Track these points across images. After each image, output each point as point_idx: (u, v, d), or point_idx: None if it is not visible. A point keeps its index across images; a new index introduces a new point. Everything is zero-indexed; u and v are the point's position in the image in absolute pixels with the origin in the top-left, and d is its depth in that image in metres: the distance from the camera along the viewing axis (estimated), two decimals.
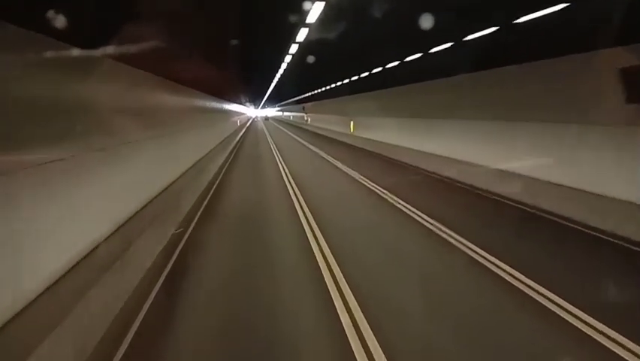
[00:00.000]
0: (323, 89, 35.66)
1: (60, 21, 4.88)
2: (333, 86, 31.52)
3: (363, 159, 23.33)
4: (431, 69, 16.29)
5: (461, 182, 14.94)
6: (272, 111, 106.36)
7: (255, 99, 71.40)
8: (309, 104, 51.67)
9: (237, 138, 39.12)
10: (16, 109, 4.45)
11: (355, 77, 24.55)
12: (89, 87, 6.49)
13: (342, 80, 27.61)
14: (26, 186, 4.61)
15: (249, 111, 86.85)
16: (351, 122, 31.09)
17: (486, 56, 12.25)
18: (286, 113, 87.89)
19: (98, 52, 6.43)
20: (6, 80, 4.26)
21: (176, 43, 9.94)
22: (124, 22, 6.43)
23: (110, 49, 6.73)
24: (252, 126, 71.08)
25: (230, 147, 29.43)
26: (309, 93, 43.65)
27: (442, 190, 14.62)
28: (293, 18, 11.09)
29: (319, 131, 45.11)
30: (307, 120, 56.84)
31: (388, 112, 23.63)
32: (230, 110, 43.54)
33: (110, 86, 7.44)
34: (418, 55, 15.42)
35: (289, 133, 49.73)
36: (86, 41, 5.78)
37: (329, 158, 23.50)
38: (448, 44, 13.24)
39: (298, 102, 58.67)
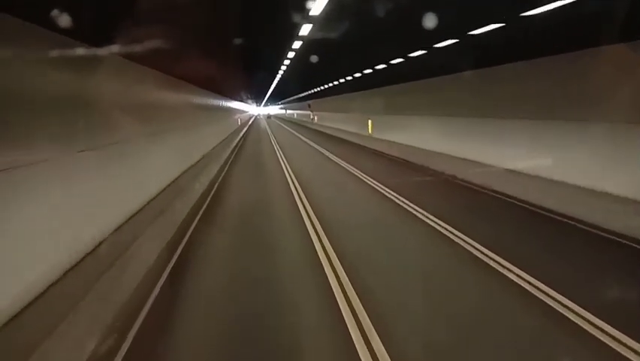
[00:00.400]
0: (331, 84, 31.52)
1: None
2: (342, 81, 27.30)
3: (410, 176, 18.36)
4: (487, 53, 12.28)
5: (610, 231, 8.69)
6: (275, 109, 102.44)
7: (257, 96, 67.60)
8: (315, 100, 47.48)
9: (237, 140, 35.06)
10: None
11: (371, 70, 20.34)
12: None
13: (354, 75, 23.33)
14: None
15: (251, 109, 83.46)
16: (369, 122, 26.84)
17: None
18: (289, 111, 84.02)
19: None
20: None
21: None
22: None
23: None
24: (254, 124, 67.77)
25: (226, 155, 25.36)
26: (315, 89, 39.44)
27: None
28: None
29: (329, 132, 40.26)
30: (314, 119, 52.26)
31: (419, 110, 19.61)
32: (231, 108, 39.74)
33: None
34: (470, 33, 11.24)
35: (295, 133, 45.56)
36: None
37: (360, 174, 19.35)
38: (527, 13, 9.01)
39: (303, 99, 54.52)
